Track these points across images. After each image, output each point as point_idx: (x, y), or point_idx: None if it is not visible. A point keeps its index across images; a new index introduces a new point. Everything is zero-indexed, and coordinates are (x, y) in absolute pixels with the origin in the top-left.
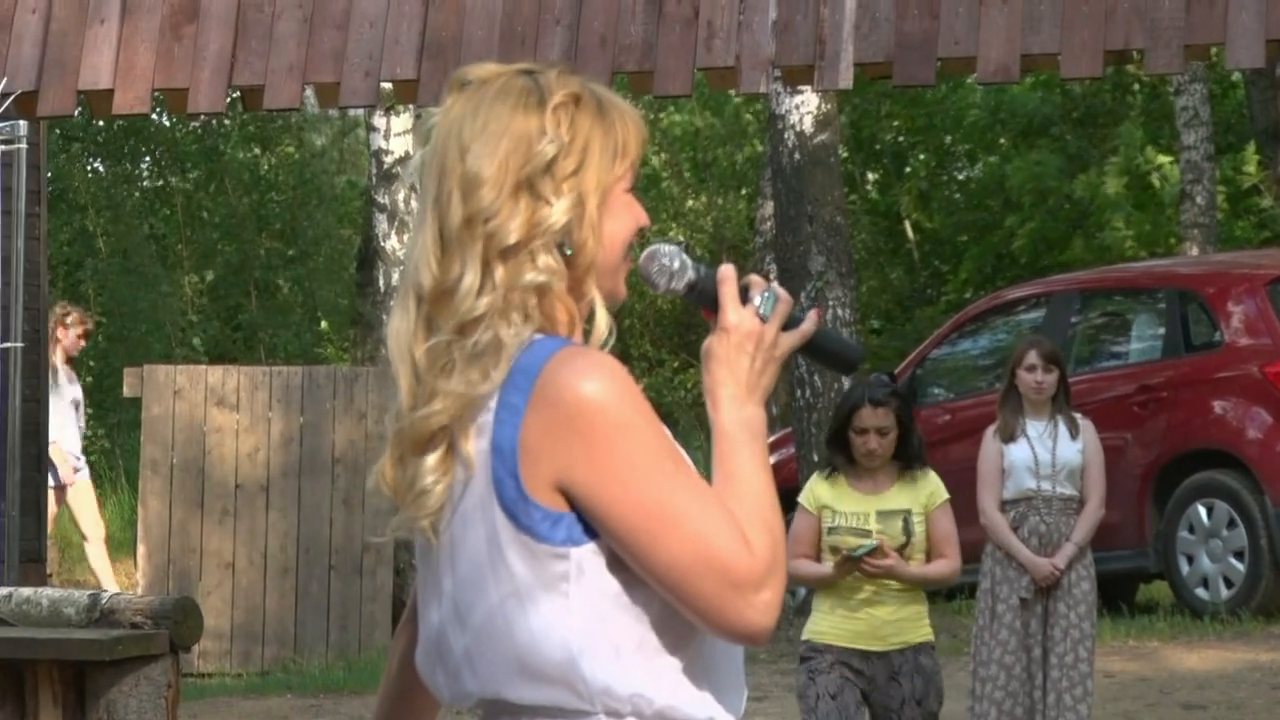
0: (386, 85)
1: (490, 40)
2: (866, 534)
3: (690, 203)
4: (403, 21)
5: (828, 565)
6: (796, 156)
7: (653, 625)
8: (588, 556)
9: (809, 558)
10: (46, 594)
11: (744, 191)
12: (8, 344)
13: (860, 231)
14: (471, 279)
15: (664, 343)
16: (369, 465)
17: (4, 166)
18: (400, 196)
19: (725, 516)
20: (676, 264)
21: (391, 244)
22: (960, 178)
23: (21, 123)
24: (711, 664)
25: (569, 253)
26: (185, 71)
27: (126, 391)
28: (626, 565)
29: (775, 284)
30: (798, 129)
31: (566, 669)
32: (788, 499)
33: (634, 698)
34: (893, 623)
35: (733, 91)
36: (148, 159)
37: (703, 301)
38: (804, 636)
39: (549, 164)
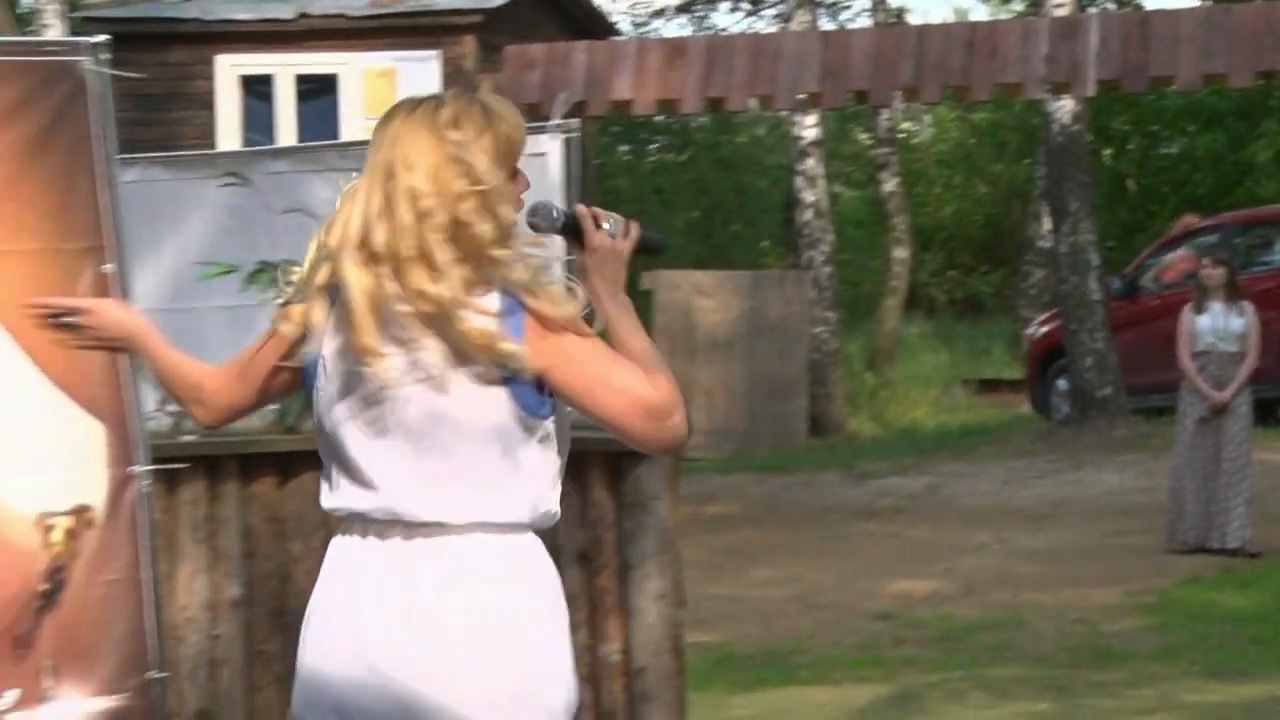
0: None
1: (867, 66)
2: None
3: (996, 167)
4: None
5: None
6: (1059, 139)
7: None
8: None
9: None
10: None
11: (1026, 161)
12: None
13: (1101, 187)
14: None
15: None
16: None
17: (567, 149)
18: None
19: (634, 369)
20: (552, 210)
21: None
22: (1163, 152)
23: (575, 120)
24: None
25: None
26: (675, 88)
27: None
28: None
29: (613, 215)
30: (1060, 122)
31: None
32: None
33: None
34: None
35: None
36: (656, 144)
37: (568, 233)
38: None
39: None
